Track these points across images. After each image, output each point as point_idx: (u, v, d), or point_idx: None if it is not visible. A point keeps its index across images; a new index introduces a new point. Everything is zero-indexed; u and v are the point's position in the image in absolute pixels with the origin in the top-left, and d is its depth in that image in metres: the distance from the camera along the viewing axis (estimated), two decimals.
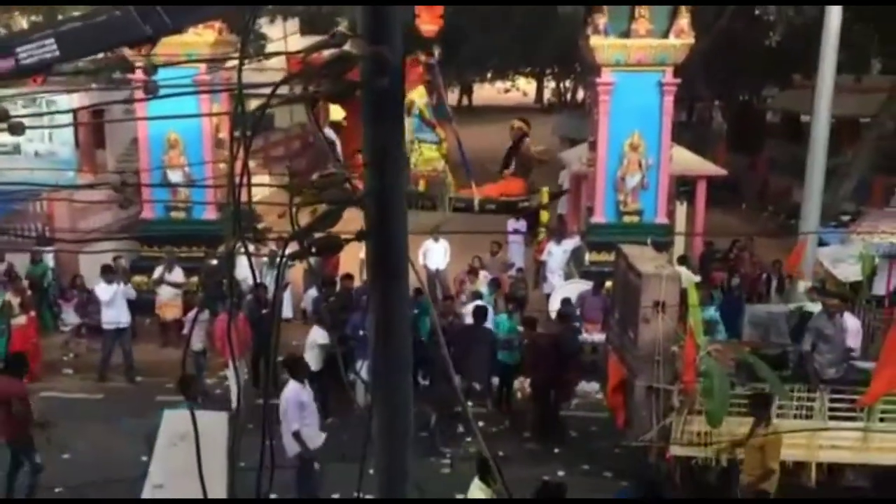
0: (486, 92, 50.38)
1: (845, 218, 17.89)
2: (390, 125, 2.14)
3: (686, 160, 18.41)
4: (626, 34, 15.48)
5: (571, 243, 16.36)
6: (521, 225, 18.82)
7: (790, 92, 27.04)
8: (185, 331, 12.28)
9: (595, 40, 15.51)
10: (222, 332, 11.28)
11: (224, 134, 15.57)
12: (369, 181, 2.16)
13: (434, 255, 16.36)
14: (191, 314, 12.08)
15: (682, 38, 15.39)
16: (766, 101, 31.73)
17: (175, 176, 15.62)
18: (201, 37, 14.54)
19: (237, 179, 2.06)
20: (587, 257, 16.20)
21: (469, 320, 12.59)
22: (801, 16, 18.86)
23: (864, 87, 22.81)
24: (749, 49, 21.09)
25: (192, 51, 14.41)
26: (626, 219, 16.14)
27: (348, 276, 13.63)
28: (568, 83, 45.53)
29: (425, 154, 9.93)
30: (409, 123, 9.96)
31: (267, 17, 23.09)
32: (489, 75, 44.60)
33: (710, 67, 23.61)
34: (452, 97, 46.32)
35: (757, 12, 19.37)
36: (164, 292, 14.44)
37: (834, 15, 14.76)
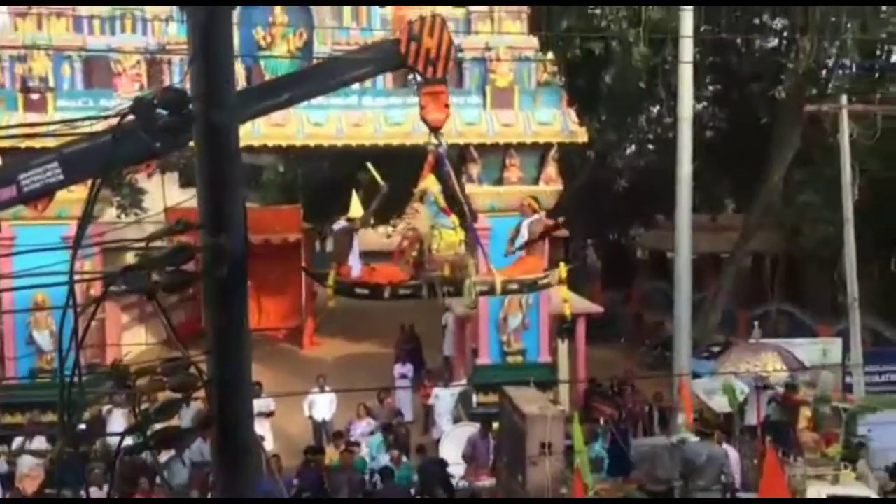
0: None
1: (715, 349, 18.68)
2: (232, 312, 2.12)
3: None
4: (499, 181, 16.18)
5: (458, 387, 16.33)
6: (408, 370, 18.71)
7: (655, 231, 28.69)
8: None
9: (470, 188, 16.12)
10: None
11: (95, 291, 15.01)
12: (212, 367, 2.11)
13: (320, 405, 15.93)
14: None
15: (551, 184, 16.21)
16: (634, 239, 33.50)
17: (41, 337, 14.80)
18: (73, 192, 14.21)
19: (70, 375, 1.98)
20: (475, 399, 16.16)
21: None
22: (646, 160, 20.43)
23: (719, 225, 24.49)
24: (614, 192, 22.50)
25: (63, 207, 14.05)
26: (511, 359, 16.30)
27: None
28: None
29: (446, 238, 9.88)
30: (426, 210, 10.01)
31: (143, 171, 22.91)
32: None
33: (580, 210, 24.86)
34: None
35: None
36: (25, 462, 13.33)
37: (685, 161, 16.00)
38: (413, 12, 8.47)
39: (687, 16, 15.13)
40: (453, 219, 10.12)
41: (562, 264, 11.19)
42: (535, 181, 16.16)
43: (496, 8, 15.94)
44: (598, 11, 17.32)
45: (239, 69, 14.99)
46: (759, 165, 21.24)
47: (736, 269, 21.82)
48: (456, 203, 9.96)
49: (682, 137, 16.00)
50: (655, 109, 24.05)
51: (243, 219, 2.09)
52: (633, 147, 22.37)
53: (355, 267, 9.92)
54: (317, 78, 7.23)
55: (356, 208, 10.84)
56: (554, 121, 15.92)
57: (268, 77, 15.64)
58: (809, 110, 15.16)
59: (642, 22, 17.21)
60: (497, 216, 16.07)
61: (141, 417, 1.96)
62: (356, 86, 15.85)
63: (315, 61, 15.67)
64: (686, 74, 15.48)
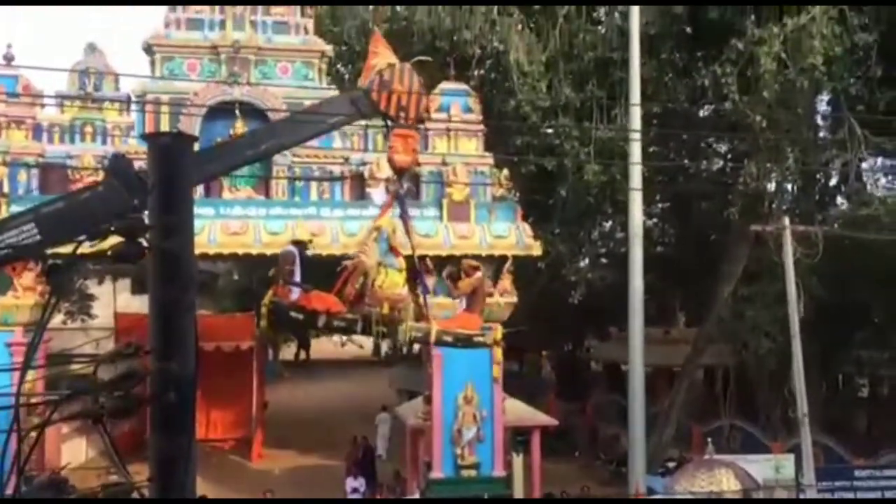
0: (323, 346, 50.58)
1: (670, 465, 18.56)
2: (179, 438, 2.10)
3: (519, 411, 18.81)
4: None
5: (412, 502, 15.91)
6: (361, 483, 18.23)
7: (609, 343, 28.94)
8: None
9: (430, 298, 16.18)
10: None
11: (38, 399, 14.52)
12: (153, 495, 2.07)
13: None
14: None
15: (505, 296, 16.36)
16: (588, 351, 33.68)
17: None
18: (19, 298, 13.97)
19: None
20: None
21: None
22: (600, 273, 20.86)
23: (672, 338, 24.82)
24: (568, 305, 22.75)
25: (8, 314, 13.79)
26: (465, 472, 16.01)
27: None
28: None
29: (391, 277, 9.74)
30: (376, 247, 9.89)
31: (95, 277, 22.65)
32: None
33: (535, 322, 25.02)
34: (289, 351, 45.99)
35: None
36: None
37: (637, 275, 16.36)
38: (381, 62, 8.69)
39: (636, 145, 15.83)
40: (401, 261, 10.20)
41: (498, 325, 11.21)
42: (490, 293, 16.31)
43: (452, 125, 16.48)
44: (549, 130, 18.01)
45: None
46: (708, 280, 21.75)
47: (689, 383, 21.98)
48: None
49: (634, 253, 16.42)
50: (608, 224, 24.69)
51: (194, 345, 2.10)
52: (587, 261, 22.84)
53: (294, 291, 9.81)
54: (289, 128, 7.34)
55: (302, 232, 10.81)
56: (509, 234, 16.25)
57: (227, 187, 15.82)
58: (754, 230, 15.72)
59: (592, 140, 17.91)
60: None
61: None
62: (314, 196, 16.10)
63: (275, 172, 15.93)
64: (636, 197, 16.05)
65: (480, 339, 10.74)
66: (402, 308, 9.75)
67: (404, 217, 10.00)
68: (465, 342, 10.98)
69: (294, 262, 10.08)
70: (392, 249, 10.09)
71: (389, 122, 8.51)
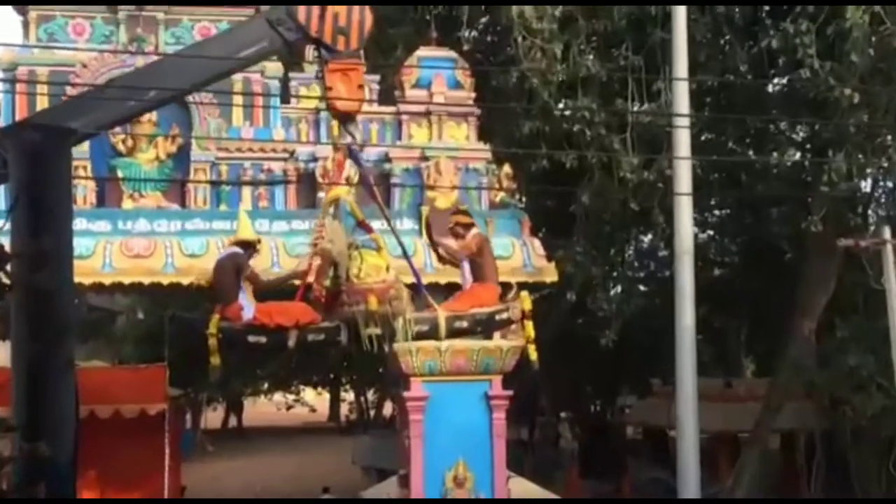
0: (261, 409, 50.32)
1: None
2: None
3: (530, 494, 18.71)
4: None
5: None
6: None
7: (650, 400, 28.90)
8: None
9: (401, 344, 16.07)
10: None
11: None
12: None
13: None
14: None
15: (509, 338, 16.27)
16: (623, 412, 33.60)
17: None
18: None
19: None
20: None
21: None
22: (637, 305, 20.78)
23: (736, 394, 24.78)
24: (595, 349, 22.68)
25: None
26: None
27: None
28: (371, 395, 46.37)
29: (368, 260, 9.61)
30: (339, 226, 9.73)
31: None
32: (265, 385, 44.53)
33: (551, 373, 24.95)
34: (216, 416, 45.66)
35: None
36: None
37: (687, 307, 16.32)
38: None
39: (683, 132, 15.81)
40: (376, 236, 10.06)
41: (524, 293, 11.20)
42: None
43: (435, 107, 16.50)
44: (567, 112, 17.99)
45: (87, 184, 15.09)
46: (783, 313, 21.75)
47: (760, 453, 21.94)
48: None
49: (682, 277, 16.40)
50: (647, 239, 24.71)
51: (74, 416, 2.05)
52: (619, 288, 22.81)
53: (247, 308, 9.61)
54: (186, 67, 7.15)
55: (246, 229, 10.70)
56: (512, 253, 16.22)
57: (127, 193, 15.76)
58: (844, 244, 15.72)
59: (629, 125, 17.88)
60: (437, 381, 16.00)
61: None
62: (248, 204, 16.04)
63: (192, 172, 15.89)
64: (684, 203, 16.05)
65: (504, 315, 10.72)
66: (394, 297, 9.70)
67: (363, 176, 9.94)
68: (486, 325, 10.99)
69: (241, 269, 9.97)
70: (361, 224, 10.03)
71: (324, 52, 8.37)
